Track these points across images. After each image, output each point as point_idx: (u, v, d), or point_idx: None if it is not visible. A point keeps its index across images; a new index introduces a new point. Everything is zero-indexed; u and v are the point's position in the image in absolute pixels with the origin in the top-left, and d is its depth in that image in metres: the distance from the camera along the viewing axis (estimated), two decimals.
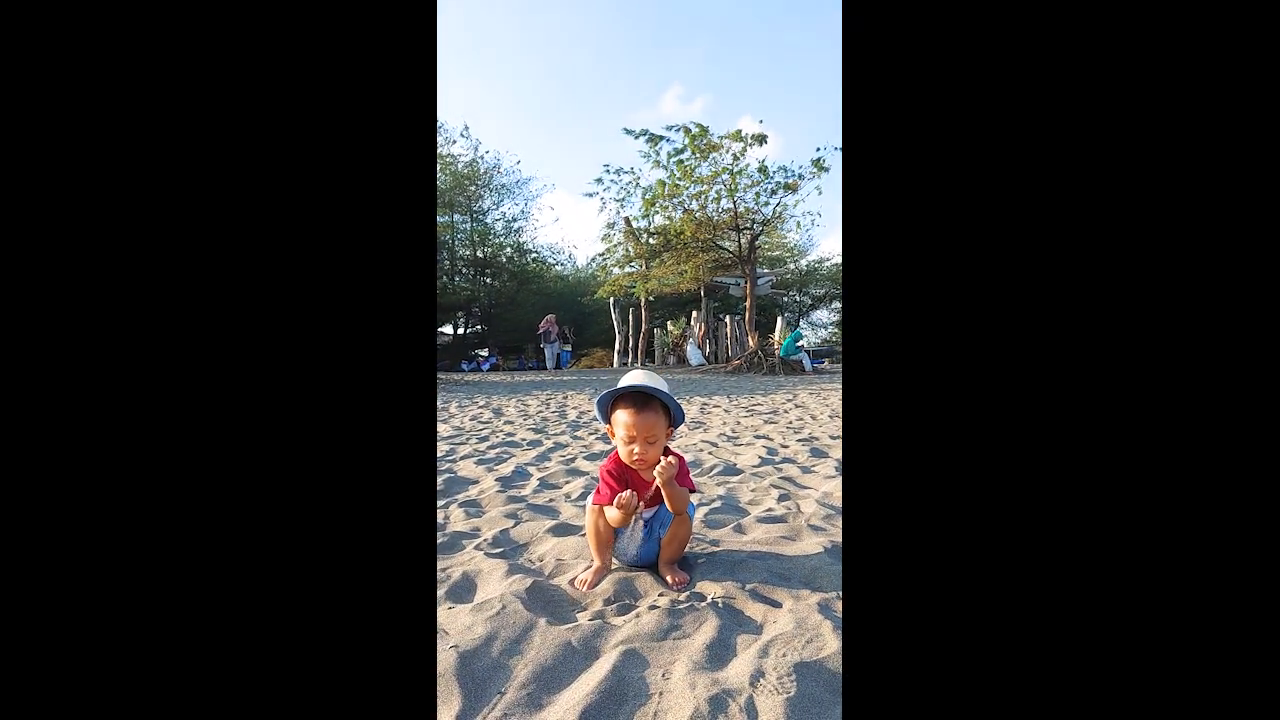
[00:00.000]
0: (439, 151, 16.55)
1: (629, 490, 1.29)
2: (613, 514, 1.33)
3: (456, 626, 1.12)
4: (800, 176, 10.44)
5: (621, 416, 1.32)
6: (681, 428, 4.15)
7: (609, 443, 3.38)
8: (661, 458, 1.28)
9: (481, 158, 17.45)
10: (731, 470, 2.63)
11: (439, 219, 15.91)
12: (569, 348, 13.62)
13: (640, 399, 1.33)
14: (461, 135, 18.07)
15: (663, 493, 1.29)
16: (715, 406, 5.46)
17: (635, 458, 1.32)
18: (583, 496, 2.17)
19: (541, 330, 13.30)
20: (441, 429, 4.20)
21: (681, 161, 10.45)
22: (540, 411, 5.27)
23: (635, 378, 1.36)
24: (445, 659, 0.99)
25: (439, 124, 16.43)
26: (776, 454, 2.99)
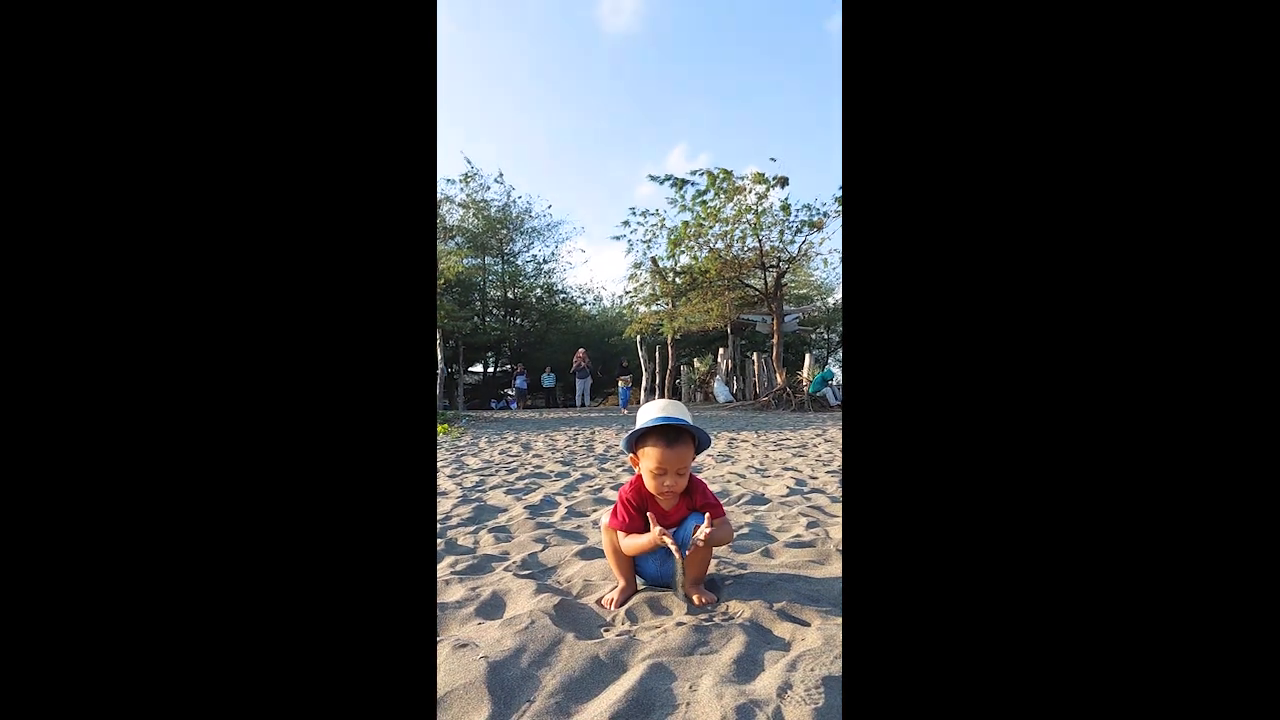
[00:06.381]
0: (474, 198, 17.17)
1: (665, 536, 1.28)
2: (630, 544, 1.34)
3: (486, 639, 1.14)
4: (824, 214, 10.54)
5: (653, 451, 1.31)
6: (710, 460, 4.13)
7: (634, 473, 3.37)
8: (706, 517, 1.30)
9: (514, 202, 18.05)
10: (759, 500, 2.61)
11: (470, 261, 16.30)
12: (629, 383, 13.60)
13: (671, 433, 1.32)
14: (495, 181, 18.75)
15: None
16: (743, 441, 5.42)
17: (666, 489, 1.33)
18: None
19: (575, 367, 13.48)
20: (471, 462, 4.26)
21: (705, 202, 10.66)
22: (568, 446, 5.30)
23: (660, 409, 1.36)
24: (475, 668, 1.01)
25: (474, 171, 17.12)
26: (805, 485, 2.96)
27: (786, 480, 3.09)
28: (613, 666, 1.04)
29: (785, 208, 10.54)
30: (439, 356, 10.79)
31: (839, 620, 1.20)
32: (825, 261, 12.74)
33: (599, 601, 1.36)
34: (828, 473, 3.36)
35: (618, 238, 12.15)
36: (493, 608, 1.35)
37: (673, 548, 1.27)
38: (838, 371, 11.65)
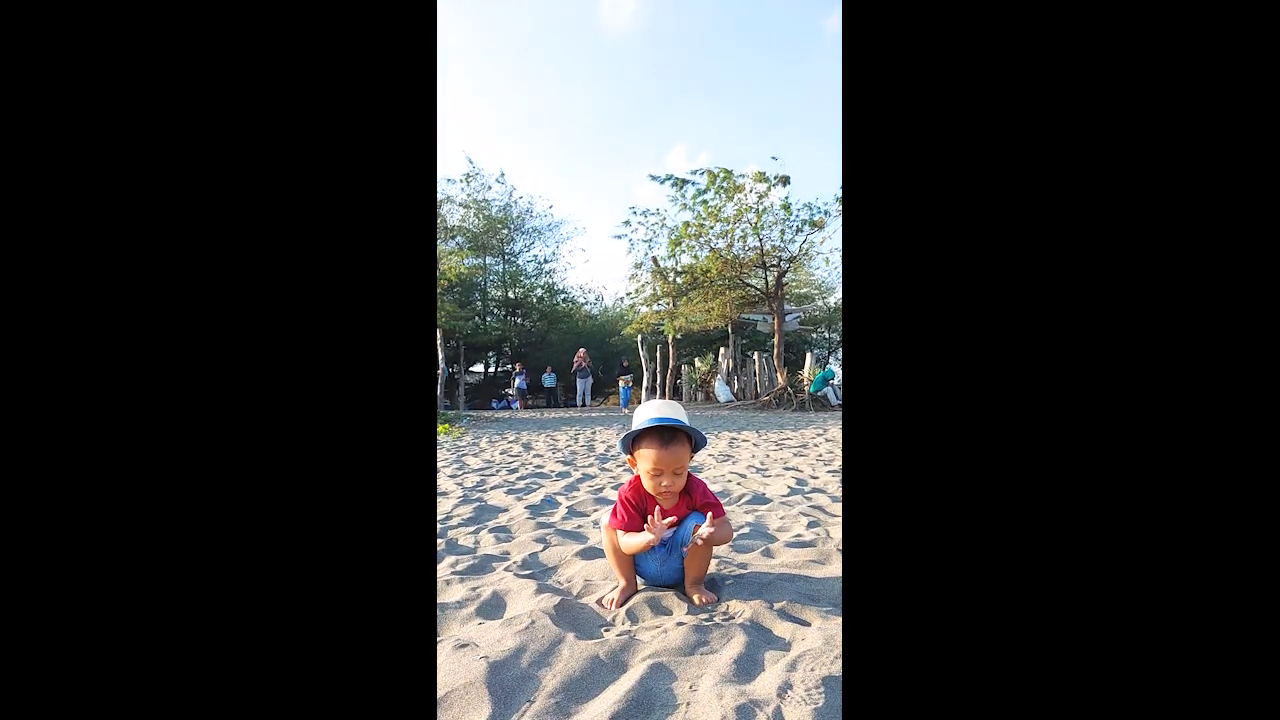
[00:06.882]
0: (474, 198, 17.17)
1: (660, 521, 1.27)
2: (629, 542, 1.33)
3: (487, 640, 1.14)
4: (825, 213, 10.53)
5: (648, 452, 1.31)
6: (710, 460, 4.13)
7: (634, 473, 3.37)
8: (707, 516, 1.28)
9: (515, 202, 18.04)
10: (760, 499, 2.60)
11: (471, 261, 16.28)
12: (629, 382, 13.70)
13: (666, 433, 1.32)
14: (497, 181, 18.73)
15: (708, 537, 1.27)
16: (744, 441, 5.41)
17: (663, 489, 1.32)
18: None
19: (576, 367, 13.52)
20: (472, 462, 4.26)
21: (706, 201, 10.66)
22: (569, 445, 5.30)
23: (656, 410, 1.36)
24: (475, 668, 1.01)
25: (475, 171, 17.11)
26: (806, 484, 2.96)
27: (787, 480, 3.09)
28: (613, 666, 1.04)
29: (786, 207, 10.52)
30: (440, 357, 10.79)
31: (839, 620, 1.20)
32: (826, 260, 12.72)
33: (599, 601, 1.36)
34: (829, 472, 3.36)
35: (618, 237, 12.19)
36: (493, 608, 1.35)
37: (654, 529, 1.25)
38: (839, 371, 11.64)
